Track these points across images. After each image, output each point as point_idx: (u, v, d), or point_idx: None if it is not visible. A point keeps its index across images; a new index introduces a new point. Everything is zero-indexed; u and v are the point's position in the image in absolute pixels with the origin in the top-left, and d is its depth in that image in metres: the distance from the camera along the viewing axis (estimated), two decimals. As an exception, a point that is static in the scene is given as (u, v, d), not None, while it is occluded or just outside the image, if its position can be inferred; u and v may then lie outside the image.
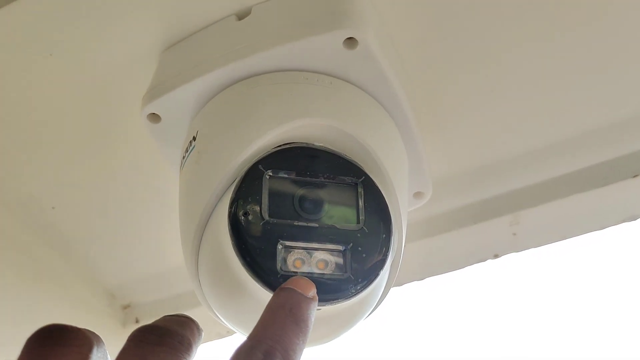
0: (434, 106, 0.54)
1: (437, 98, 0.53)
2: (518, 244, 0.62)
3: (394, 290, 0.64)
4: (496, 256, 0.64)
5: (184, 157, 0.43)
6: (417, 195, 0.52)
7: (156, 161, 0.56)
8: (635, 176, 0.57)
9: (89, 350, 0.27)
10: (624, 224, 0.60)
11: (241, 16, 0.46)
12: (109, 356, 0.29)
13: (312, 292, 0.32)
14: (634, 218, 0.60)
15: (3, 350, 0.58)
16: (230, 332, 0.73)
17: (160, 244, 0.66)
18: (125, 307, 0.72)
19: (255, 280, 0.34)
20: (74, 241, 0.64)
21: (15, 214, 0.60)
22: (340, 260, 0.36)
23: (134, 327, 0.69)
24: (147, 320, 0.69)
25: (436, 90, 0.52)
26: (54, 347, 0.26)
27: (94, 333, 0.28)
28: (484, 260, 0.64)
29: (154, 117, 0.45)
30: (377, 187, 0.38)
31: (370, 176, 0.39)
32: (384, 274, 0.37)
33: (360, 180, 0.38)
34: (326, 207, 0.37)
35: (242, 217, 0.35)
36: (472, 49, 0.49)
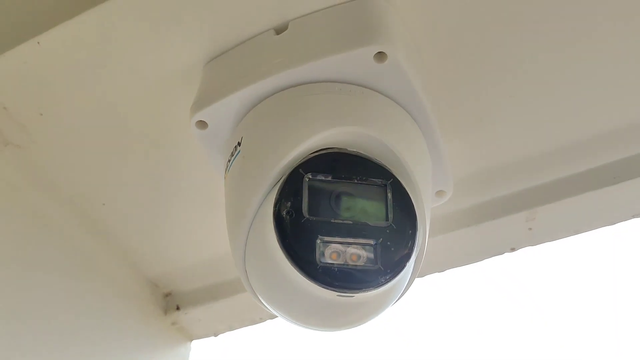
0: (456, 111, 0.58)
1: (459, 103, 0.57)
2: (534, 238, 0.66)
3: (416, 281, 0.69)
4: (513, 249, 0.68)
5: (229, 161, 0.48)
6: (439, 193, 0.56)
7: (197, 162, 0.61)
8: (645, 174, 0.60)
9: None
10: (634, 219, 0.64)
11: (279, 31, 0.50)
12: None
13: None
14: (644, 214, 0.64)
15: (60, 336, 0.64)
16: (262, 319, 0.78)
17: (199, 238, 0.71)
18: (167, 295, 0.77)
19: (297, 271, 0.39)
20: (121, 235, 0.70)
21: (69, 210, 0.66)
22: (371, 254, 0.41)
23: (175, 314, 0.75)
24: (187, 307, 0.75)
25: (458, 96, 0.57)
26: None
27: None
28: (502, 254, 0.68)
29: (202, 124, 0.49)
30: (404, 188, 0.43)
31: (398, 178, 0.43)
32: (410, 266, 0.42)
33: (389, 182, 0.43)
34: (359, 206, 0.42)
35: (286, 216, 0.40)
36: (492, 58, 0.53)
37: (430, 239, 0.67)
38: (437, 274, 0.71)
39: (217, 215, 0.66)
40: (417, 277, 0.67)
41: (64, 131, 0.59)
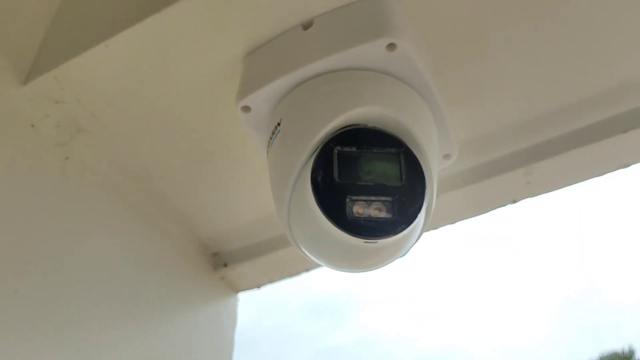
0: (458, 83, 0.68)
1: (460, 76, 0.67)
2: (532, 191, 0.76)
3: (432, 233, 0.80)
4: (514, 201, 0.78)
5: (271, 138, 0.58)
6: (446, 156, 0.66)
7: (241, 139, 0.71)
8: (625, 131, 0.69)
9: None
10: (619, 170, 0.74)
11: (306, 26, 0.60)
12: None
13: None
14: (627, 165, 0.73)
15: (126, 287, 0.75)
16: (298, 272, 0.90)
17: (242, 204, 0.82)
18: (215, 254, 0.89)
19: (332, 223, 0.50)
20: (176, 203, 0.81)
21: (133, 183, 0.77)
22: (390, 208, 0.51)
23: (223, 270, 0.87)
24: (233, 263, 0.87)
25: (460, 71, 0.66)
26: None
27: None
28: (505, 205, 0.79)
29: (246, 109, 0.60)
30: (414, 154, 0.53)
31: (409, 147, 0.53)
32: (421, 217, 0.52)
33: (402, 150, 0.53)
34: (378, 170, 0.52)
35: (320, 180, 0.51)
36: (486, 37, 0.63)
37: (441, 196, 0.78)
38: (449, 225, 0.81)
39: (258, 184, 0.77)
40: (432, 229, 0.79)
41: (128, 118, 0.70)
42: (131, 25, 0.61)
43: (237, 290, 0.92)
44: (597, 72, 0.67)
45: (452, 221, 0.81)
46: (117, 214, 0.76)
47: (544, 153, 0.73)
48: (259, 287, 0.91)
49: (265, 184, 0.62)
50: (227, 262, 0.88)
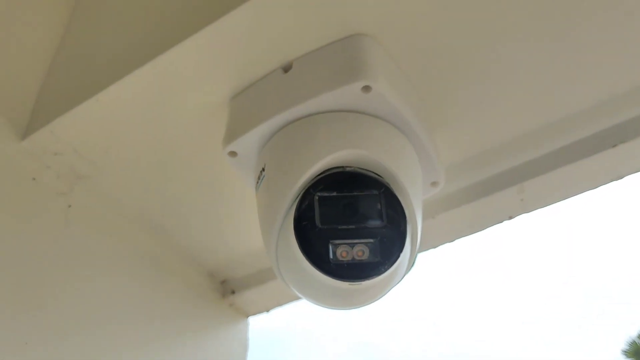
0: (444, 108, 0.68)
1: (445, 102, 0.68)
2: (526, 207, 0.77)
3: (431, 252, 0.82)
4: (510, 217, 0.78)
5: (257, 182, 0.60)
6: (433, 184, 0.67)
7: (230, 176, 0.73)
8: (614, 146, 0.70)
9: None
10: (612, 182, 0.74)
11: (286, 69, 0.62)
12: None
13: None
14: (620, 177, 0.73)
15: (137, 322, 0.78)
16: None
17: (245, 234, 0.84)
18: (222, 282, 0.91)
19: (315, 268, 0.51)
20: (179, 238, 0.84)
21: (136, 222, 0.80)
22: (373, 249, 0.52)
23: (231, 297, 0.89)
24: (241, 290, 0.89)
25: (444, 96, 0.67)
26: None
27: None
28: (501, 222, 0.79)
29: (232, 154, 0.62)
30: (395, 194, 0.54)
31: (389, 186, 0.55)
32: (405, 255, 0.53)
33: (381, 190, 0.54)
34: (360, 213, 0.54)
35: (303, 227, 0.52)
36: (466, 61, 0.63)
37: (438, 215, 0.79)
38: (447, 243, 0.82)
39: (256, 216, 0.79)
40: (432, 247, 0.80)
41: (125, 162, 0.73)
42: (120, 78, 0.63)
43: (247, 315, 0.94)
44: (582, 88, 0.67)
45: (451, 239, 0.82)
46: (124, 254, 0.78)
47: (535, 170, 0.73)
48: (267, 310, 0.94)
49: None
50: (235, 289, 0.90)
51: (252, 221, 0.82)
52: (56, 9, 0.80)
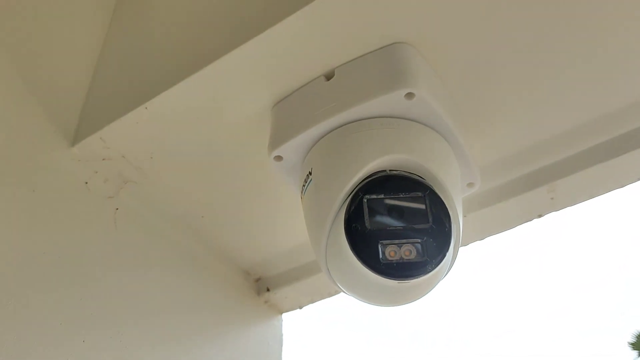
0: (477, 113, 0.71)
1: (480, 108, 0.70)
2: (556, 205, 0.79)
3: (462, 250, 0.84)
4: (540, 216, 0.81)
5: (303, 186, 0.63)
6: (470, 185, 0.70)
7: (271, 177, 0.76)
8: (642, 145, 0.72)
9: None
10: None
11: (328, 77, 0.64)
12: None
13: None
14: (648, 176, 0.76)
15: (174, 317, 0.81)
16: (337, 292, 0.94)
17: (279, 234, 0.87)
18: (257, 280, 0.94)
19: (367, 268, 0.54)
20: (218, 237, 0.86)
21: (178, 225, 0.83)
22: (420, 249, 0.55)
23: (266, 294, 0.92)
24: (275, 288, 0.92)
25: (479, 103, 0.69)
26: None
27: None
28: (531, 220, 0.82)
29: (278, 158, 0.65)
30: (439, 196, 0.57)
31: (434, 189, 0.57)
32: (450, 254, 0.56)
33: (427, 193, 0.57)
34: (406, 214, 0.56)
35: (353, 228, 0.55)
36: (500, 71, 0.66)
37: (469, 214, 0.81)
38: (478, 241, 0.85)
39: (292, 215, 0.82)
40: (462, 245, 0.83)
41: (170, 167, 0.75)
42: (168, 87, 0.66)
43: (281, 311, 0.97)
44: (612, 90, 0.70)
45: (481, 237, 0.85)
46: (167, 255, 0.81)
47: (565, 170, 0.75)
48: (300, 307, 0.96)
49: (298, 214, 0.67)
50: (270, 286, 0.93)
51: (284, 222, 0.85)
52: (97, 13, 0.83)
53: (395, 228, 0.56)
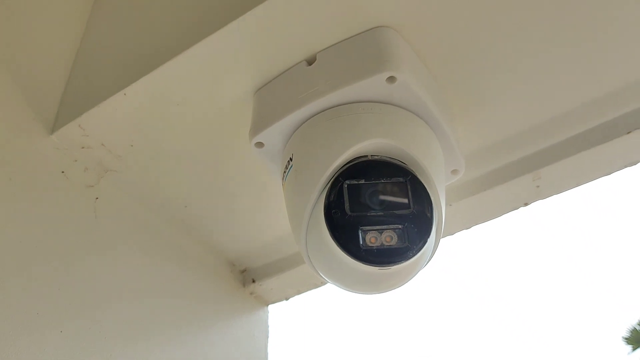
0: (463, 99, 0.70)
1: (465, 93, 0.69)
2: (541, 193, 0.79)
3: (448, 238, 0.83)
4: (526, 204, 0.80)
5: (284, 172, 0.62)
6: (454, 172, 0.69)
7: (255, 165, 0.75)
8: (629, 132, 0.71)
9: None
10: (625, 168, 0.75)
11: (310, 61, 0.63)
12: None
13: None
14: (634, 163, 0.75)
15: (156, 309, 0.79)
16: (323, 283, 0.94)
17: (264, 224, 0.86)
18: (243, 271, 0.93)
19: (346, 254, 0.53)
20: (202, 228, 0.85)
21: (160, 214, 0.82)
22: (401, 235, 0.54)
23: (252, 286, 0.91)
24: (261, 279, 0.91)
25: (463, 87, 0.69)
26: None
27: None
28: (517, 208, 0.81)
29: (259, 144, 0.64)
30: (420, 181, 0.56)
31: (415, 174, 0.56)
32: (431, 240, 0.55)
33: (408, 178, 0.56)
34: (387, 200, 0.55)
35: (333, 214, 0.54)
36: (484, 55, 0.65)
37: (455, 203, 0.81)
38: (464, 230, 0.84)
39: (275, 206, 0.81)
40: (449, 234, 0.82)
41: (150, 155, 0.74)
42: (147, 72, 0.65)
43: (267, 303, 0.96)
44: (597, 76, 0.69)
45: (467, 226, 0.84)
46: (149, 245, 0.80)
47: (550, 157, 0.75)
48: (287, 299, 0.95)
49: (284, 204, 0.66)
50: (255, 278, 0.92)
51: (270, 212, 0.84)
52: (76, 1, 0.81)
53: (376, 214, 0.55)
